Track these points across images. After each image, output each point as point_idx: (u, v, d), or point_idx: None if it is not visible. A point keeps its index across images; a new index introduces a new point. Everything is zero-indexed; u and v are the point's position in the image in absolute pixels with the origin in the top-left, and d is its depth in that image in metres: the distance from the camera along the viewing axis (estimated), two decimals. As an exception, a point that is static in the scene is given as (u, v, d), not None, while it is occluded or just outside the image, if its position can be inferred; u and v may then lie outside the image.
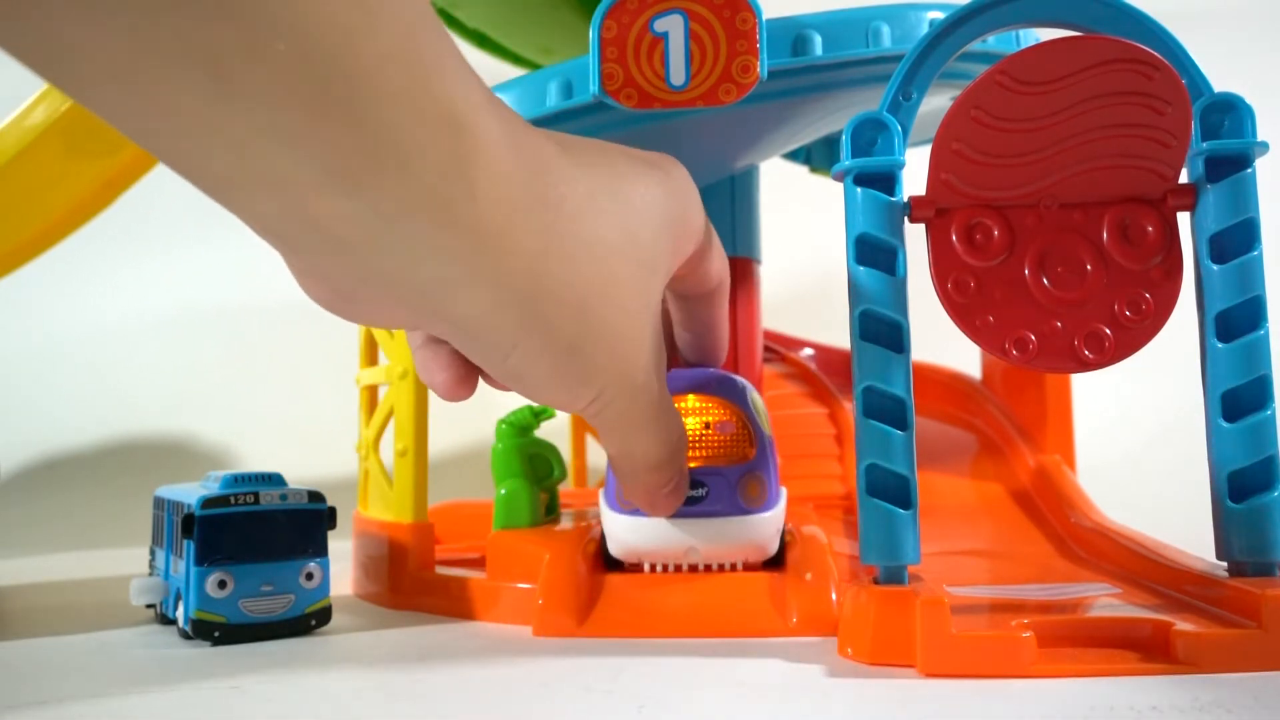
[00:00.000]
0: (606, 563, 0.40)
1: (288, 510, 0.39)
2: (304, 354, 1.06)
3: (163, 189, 0.70)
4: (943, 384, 0.59)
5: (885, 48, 0.40)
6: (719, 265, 0.36)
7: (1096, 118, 0.32)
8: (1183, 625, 0.31)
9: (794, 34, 0.40)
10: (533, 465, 0.46)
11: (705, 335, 0.39)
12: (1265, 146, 0.33)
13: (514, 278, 0.26)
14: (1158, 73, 0.31)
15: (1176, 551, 0.40)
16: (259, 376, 1.11)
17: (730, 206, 0.54)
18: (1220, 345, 0.33)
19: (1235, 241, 0.33)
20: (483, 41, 0.69)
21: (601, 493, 0.40)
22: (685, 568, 0.38)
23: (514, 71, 0.71)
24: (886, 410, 0.33)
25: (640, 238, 0.30)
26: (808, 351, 0.63)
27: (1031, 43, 0.37)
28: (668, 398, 0.34)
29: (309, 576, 0.39)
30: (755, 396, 0.39)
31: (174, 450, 1.09)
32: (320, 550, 0.40)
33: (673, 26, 0.37)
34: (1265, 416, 0.32)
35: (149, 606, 0.42)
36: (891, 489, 0.33)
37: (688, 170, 0.34)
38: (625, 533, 0.38)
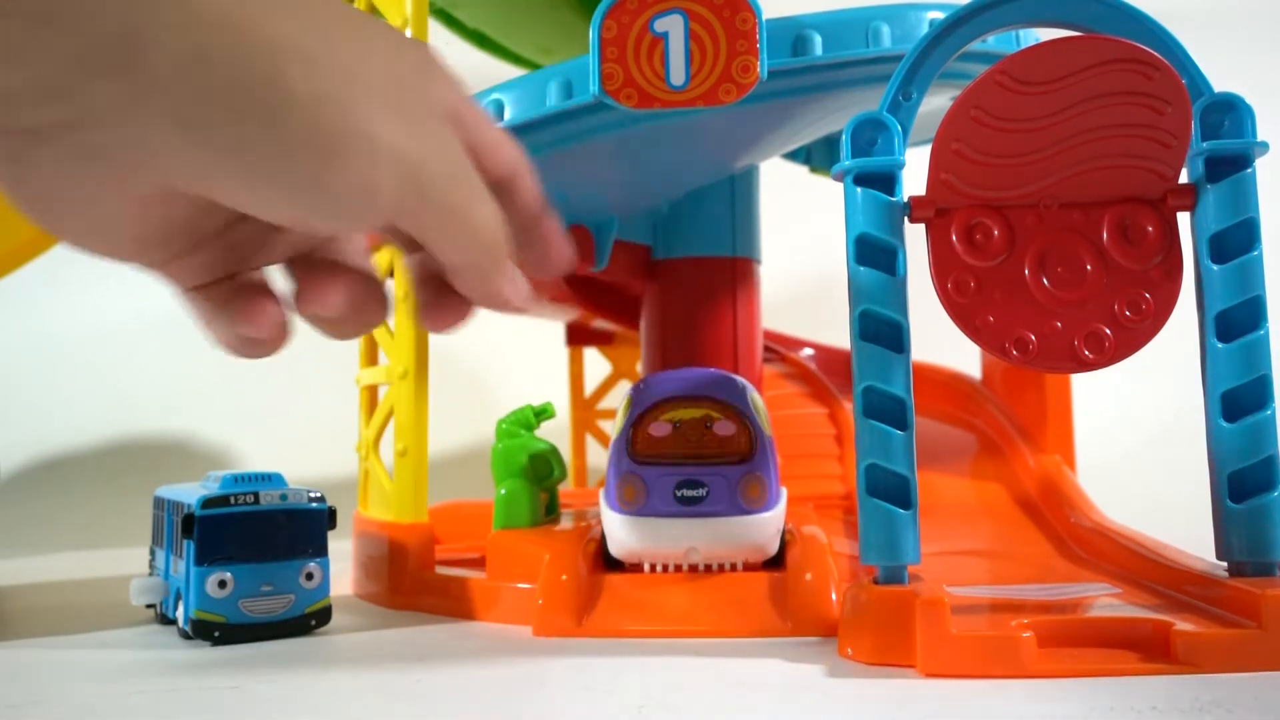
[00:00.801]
0: (606, 563, 0.40)
1: (288, 510, 0.39)
2: (304, 354, 1.06)
3: (163, 189, 0.70)
4: (943, 384, 0.59)
5: (885, 48, 0.40)
6: (509, 150, 0.32)
7: (1096, 118, 0.32)
8: (1183, 625, 0.31)
9: (794, 34, 0.40)
10: (533, 465, 0.46)
11: (529, 230, 0.34)
12: (1265, 146, 0.33)
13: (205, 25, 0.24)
14: (1158, 73, 0.31)
15: (1176, 551, 0.40)
16: (259, 376, 1.11)
17: (730, 206, 0.54)
18: (1220, 345, 0.33)
19: (1235, 241, 0.33)
20: (483, 41, 0.69)
21: (602, 493, 0.40)
22: (685, 568, 0.38)
23: (514, 71, 0.71)
24: (886, 410, 0.33)
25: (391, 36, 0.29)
26: (808, 351, 0.63)
27: (1031, 43, 0.37)
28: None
29: (309, 576, 0.39)
30: (755, 396, 0.39)
31: (174, 450, 1.09)
32: (320, 550, 0.40)
33: (673, 26, 0.37)
34: (1265, 416, 0.32)
35: (149, 606, 0.42)
36: (891, 489, 0.33)
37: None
38: (625, 533, 0.38)
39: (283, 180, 0.26)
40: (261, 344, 0.30)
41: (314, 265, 0.31)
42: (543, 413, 0.46)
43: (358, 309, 0.31)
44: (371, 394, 0.52)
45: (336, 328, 0.32)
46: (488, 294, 0.32)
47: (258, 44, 0.25)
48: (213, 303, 0.30)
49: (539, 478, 0.46)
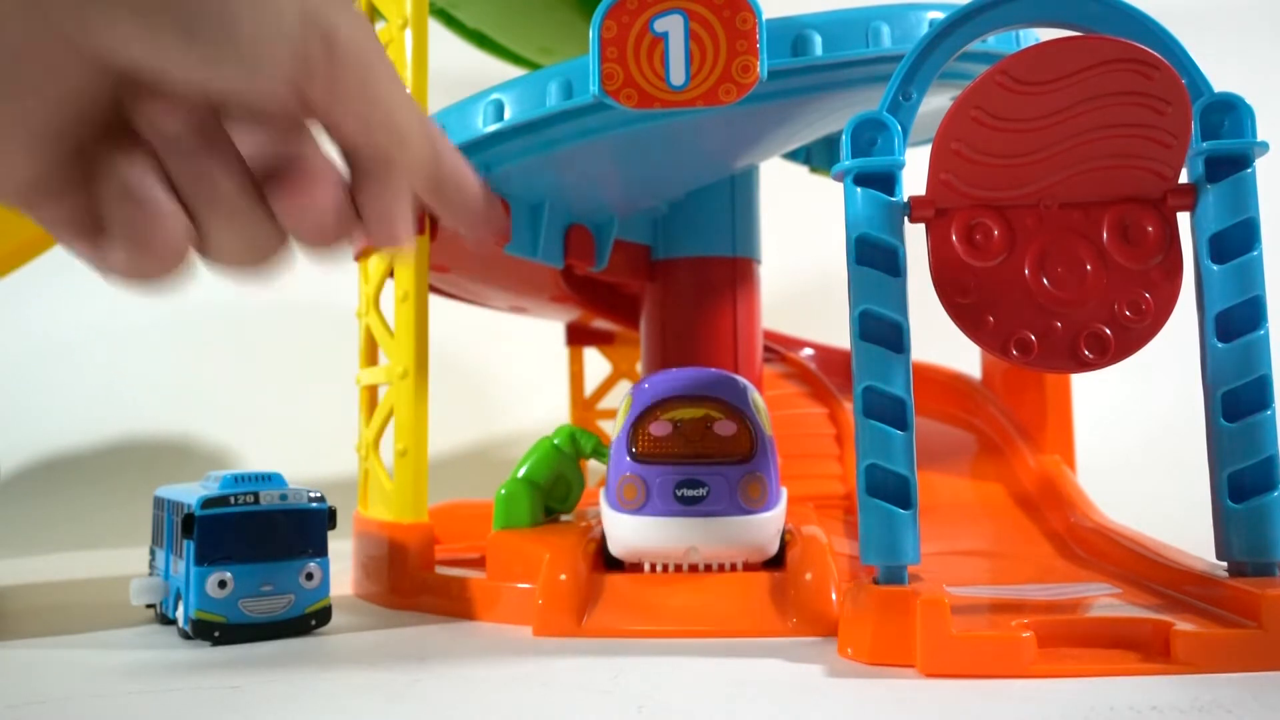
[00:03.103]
0: (606, 563, 0.40)
1: (288, 510, 0.39)
2: (304, 354, 1.06)
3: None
4: (943, 384, 0.59)
5: (885, 48, 0.40)
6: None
7: (1096, 118, 0.32)
8: (1183, 625, 0.31)
9: (794, 34, 0.40)
10: (554, 482, 0.46)
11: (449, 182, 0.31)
12: (1265, 146, 0.33)
13: None
14: (1157, 73, 0.31)
15: (1176, 551, 0.40)
16: (259, 376, 1.11)
17: (730, 206, 0.54)
18: (1220, 345, 0.33)
19: (1235, 241, 0.33)
20: (483, 41, 0.69)
21: (602, 493, 0.40)
22: (685, 568, 0.38)
23: (514, 71, 0.71)
24: (886, 410, 0.33)
25: None
26: (808, 351, 0.63)
27: (1031, 43, 0.37)
28: None
29: (309, 576, 0.39)
30: (756, 396, 0.39)
31: (174, 450, 1.09)
32: (320, 550, 0.40)
33: (673, 26, 0.37)
34: (1265, 416, 0.32)
35: (149, 606, 0.42)
36: (891, 489, 0.33)
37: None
38: (625, 533, 0.38)
39: (186, 22, 0.24)
40: (149, 265, 0.26)
41: (288, 169, 0.28)
42: (595, 452, 0.46)
43: (341, 217, 0.28)
44: (371, 394, 0.52)
45: (316, 232, 0.28)
46: (384, 205, 0.29)
47: None
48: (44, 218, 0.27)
49: (552, 496, 0.46)
